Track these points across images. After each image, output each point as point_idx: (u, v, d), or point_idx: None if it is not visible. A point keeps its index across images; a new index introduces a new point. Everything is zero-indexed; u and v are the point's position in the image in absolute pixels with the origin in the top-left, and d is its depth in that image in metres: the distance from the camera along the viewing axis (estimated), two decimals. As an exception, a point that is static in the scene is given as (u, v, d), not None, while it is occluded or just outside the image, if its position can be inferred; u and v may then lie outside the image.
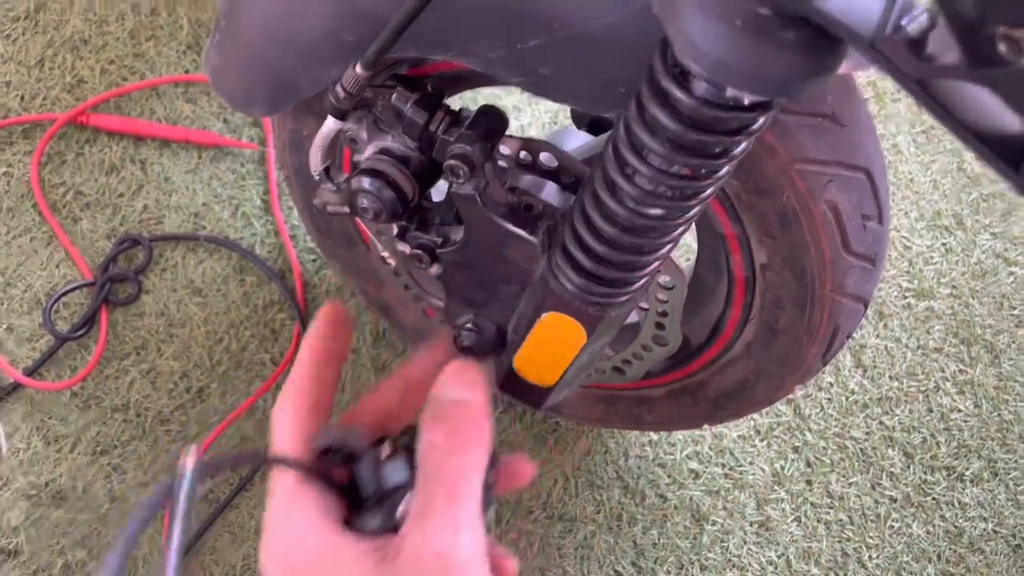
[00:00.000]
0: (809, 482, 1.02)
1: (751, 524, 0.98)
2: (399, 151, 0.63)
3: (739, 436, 1.02)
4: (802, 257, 0.64)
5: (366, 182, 0.63)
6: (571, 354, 0.63)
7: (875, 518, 1.00)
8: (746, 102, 0.44)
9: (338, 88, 0.61)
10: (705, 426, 1.00)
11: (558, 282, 0.59)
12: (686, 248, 1.11)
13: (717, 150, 0.48)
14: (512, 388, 0.69)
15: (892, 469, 1.02)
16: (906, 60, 0.39)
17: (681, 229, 0.54)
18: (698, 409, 0.82)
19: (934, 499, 1.01)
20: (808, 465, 1.02)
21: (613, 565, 0.94)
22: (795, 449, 1.03)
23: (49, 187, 1.00)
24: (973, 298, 1.12)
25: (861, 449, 1.04)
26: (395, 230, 0.68)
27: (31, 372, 0.93)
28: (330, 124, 0.64)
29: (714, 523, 0.97)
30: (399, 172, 0.63)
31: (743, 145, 0.49)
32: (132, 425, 0.93)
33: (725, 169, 0.50)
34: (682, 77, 0.45)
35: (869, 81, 1.21)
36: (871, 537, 0.99)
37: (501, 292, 0.67)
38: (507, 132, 0.63)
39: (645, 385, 0.84)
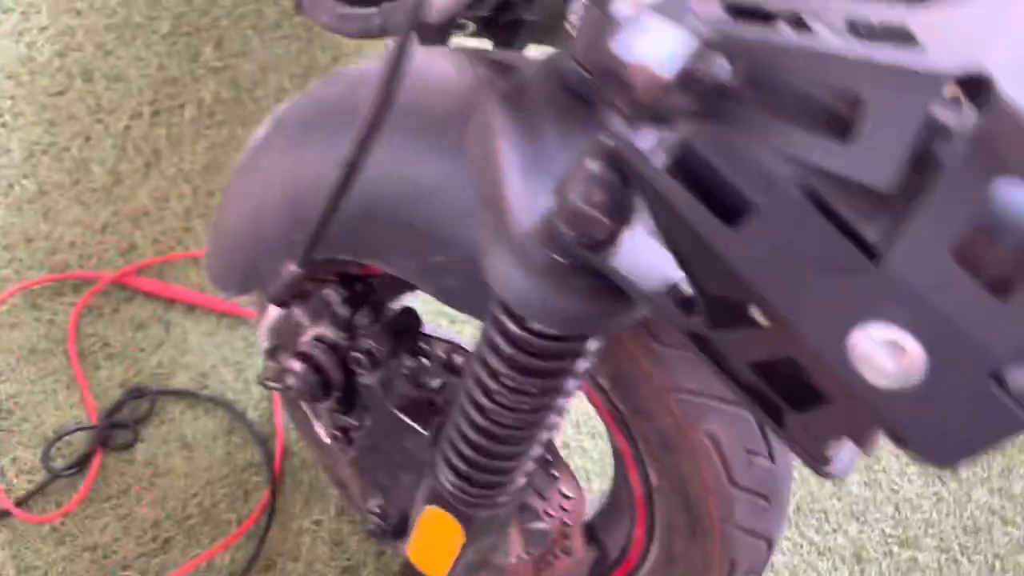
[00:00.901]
0: None
1: None
2: (330, 339, 0.70)
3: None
4: (686, 483, 0.66)
5: (295, 364, 0.70)
6: (454, 550, 0.66)
7: None
8: (559, 333, 0.50)
9: (278, 281, 0.69)
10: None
11: (438, 478, 0.63)
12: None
13: (551, 371, 0.53)
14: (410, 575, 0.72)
15: None
16: (677, 315, 0.44)
17: (536, 442, 0.58)
18: (616, 627, 0.81)
19: None
20: None
21: None
22: None
23: (82, 336, 1.12)
24: (963, 555, 1.07)
25: None
26: (322, 408, 0.74)
27: (21, 503, 1.00)
28: (271, 311, 0.73)
29: None
30: (326, 358, 0.70)
31: (579, 369, 0.53)
32: (96, 566, 0.98)
33: (566, 388, 0.55)
34: (511, 311, 0.51)
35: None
36: None
37: (403, 479, 0.71)
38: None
39: (569, 595, 0.84)
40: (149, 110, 1.30)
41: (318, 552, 1.01)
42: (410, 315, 0.69)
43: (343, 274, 0.71)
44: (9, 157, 1.24)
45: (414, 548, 0.69)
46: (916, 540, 1.07)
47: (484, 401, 0.55)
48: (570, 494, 0.71)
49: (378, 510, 0.73)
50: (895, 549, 1.07)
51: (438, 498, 0.63)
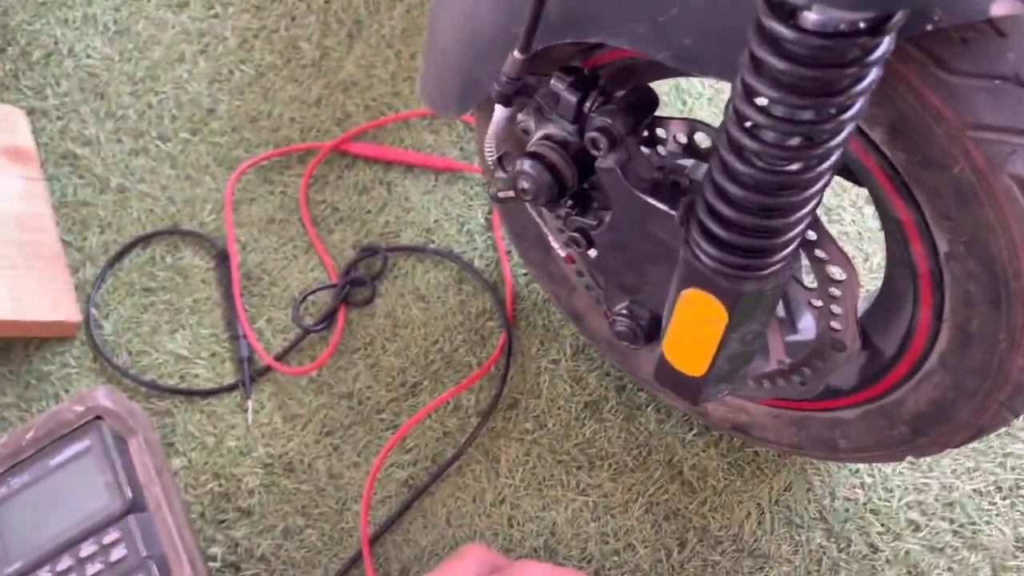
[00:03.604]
0: (1065, 555, 0.85)
1: (985, 594, 0.84)
2: (559, 136, 0.66)
3: (974, 490, 0.89)
4: (987, 242, 0.56)
5: (527, 165, 0.67)
6: (715, 338, 0.61)
7: None
8: (860, 25, 0.42)
9: (501, 75, 0.66)
10: (927, 472, 0.89)
11: (693, 255, 0.58)
12: (878, 245, 1.01)
13: (837, 87, 0.45)
14: (666, 379, 0.68)
15: None
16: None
17: (813, 188, 0.51)
18: (895, 433, 0.73)
19: None
20: (1066, 535, 0.86)
21: (810, 614, 0.86)
22: (1049, 514, 0.87)
23: (312, 204, 1.16)
24: None
25: None
26: (559, 213, 0.70)
27: (280, 358, 1.07)
28: (498, 112, 0.69)
29: (937, 586, 0.85)
30: (558, 156, 0.66)
31: (867, 80, 0.46)
32: (354, 412, 1.03)
33: (853, 110, 0.47)
34: (785, 11, 0.44)
35: None
36: None
37: (651, 274, 0.67)
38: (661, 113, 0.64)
39: (837, 404, 0.78)
40: (345, -18, 1.31)
41: (559, 389, 1.00)
42: (646, 90, 0.64)
43: (566, 67, 0.66)
44: (225, 45, 1.29)
45: (670, 345, 0.65)
46: None
47: (748, 142, 0.49)
48: (840, 276, 0.63)
49: (626, 312, 0.69)
50: None
51: (697, 277, 0.58)
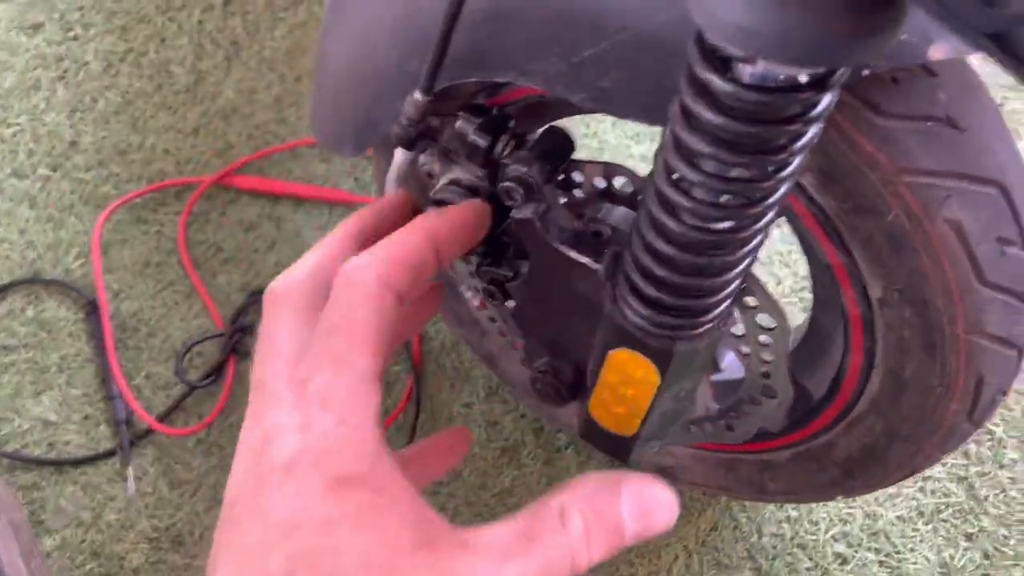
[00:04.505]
0: (987, 576, 0.86)
1: (913, 623, 0.83)
2: (468, 181, 0.60)
3: (897, 517, 0.88)
4: (922, 289, 0.54)
5: (433, 214, 0.60)
6: (646, 398, 0.56)
7: (1076, 627, 0.82)
8: (798, 80, 0.38)
9: (402, 117, 0.59)
10: (850, 501, 0.88)
11: (622, 314, 0.53)
12: (806, 284, 1.00)
13: (775, 143, 0.41)
14: (592, 438, 0.63)
15: (1098, 568, 0.84)
16: (975, 10, 0.32)
17: (748, 246, 0.47)
18: (826, 476, 0.71)
19: None
20: (985, 557, 0.86)
21: (743, 658, 0.83)
22: (968, 536, 0.87)
23: (193, 244, 1.06)
24: None
25: (1055, 541, 0.87)
26: (470, 264, 0.65)
27: (162, 418, 0.97)
28: (399, 155, 0.63)
29: (866, 618, 0.84)
30: (467, 203, 0.60)
31: (807, 136, 0.42)
32: (249, 473, 0.94)
33: (791, 167, 0.43)
34: (721, 63, 0.39)
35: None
36: (1071, 651, 0.81)
37: (575, 329, 0.62)
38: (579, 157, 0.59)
39: (766, 447, 0.75)
40: (220, 0, 1.21)
41: (473, 433, 0.95)
42: (561, 133, 0.59)
43: (472, 106, 0.61)
44: (87, 71, 1.17)
45: (596, 405, 0.60)
46: None
47: (678, 198, 0.45)
48: (770, 324, 0.60)
49: (548, 369, 0.64)
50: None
51: (625, 337, 0.53)
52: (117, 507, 0.93)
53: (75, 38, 1.19)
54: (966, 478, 0.90)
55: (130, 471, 0.94)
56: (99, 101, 1.15)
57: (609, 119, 1.13)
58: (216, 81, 1.16)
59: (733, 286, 0.50)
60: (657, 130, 1.13)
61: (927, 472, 0.90)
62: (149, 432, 0.97)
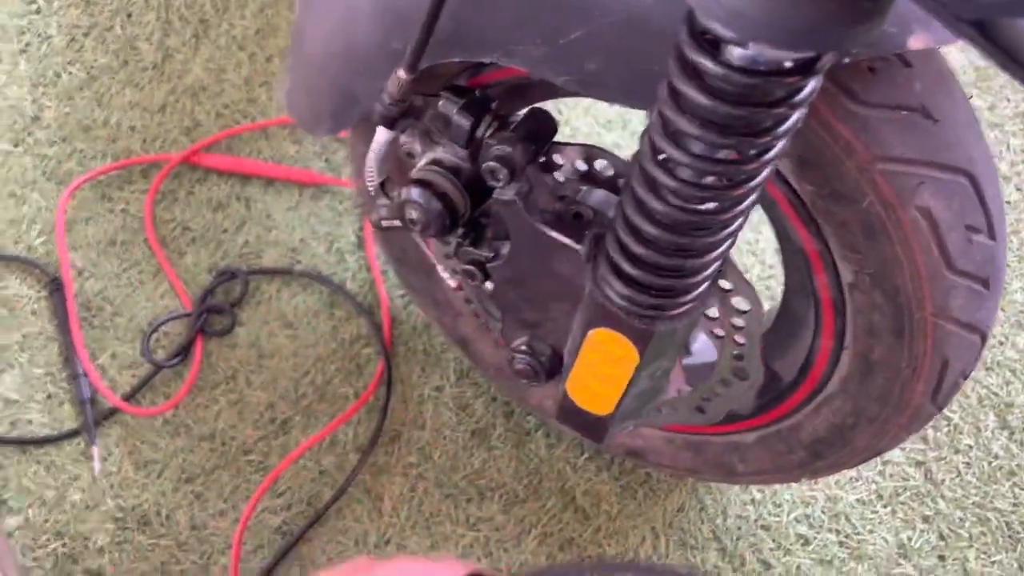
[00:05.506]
0: (942, 557, 0.88)
1: (871, 601, 0.86)
2: (449, 162, 0.61)
3: (857, 500, 0.91)
4: (893, 274, 0.55)
5: (415, 193, 0.61)
6: (624, 377, 0.57)
7: (1025, 605, 0.85)
8: (786, 64, 0.39)
9: (384, 95, 0.59)
10: (812, 484, 0.90)
11: (603, 294, 0.54)
12: (773, 273, 1.03)
13: (761, 126, 0.42)
14: (568, 418, 0.64)
15: (1047, 548, 0.87)
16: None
17: (729, 228, 0.48)
18: (794, 457, 0.73)
19: (1101, 587, 0.85)
20: (941, 538, 0.89)
21: (707, 636, 0.85)
22: (925, 519, 0.90)
23: (160, 223, 1.05)
24: None
25: (1007, 522, 0.90)
26: (449, 244, 0.65)
27: (128, 398, 0.96)
28: (380, 134, 0.63)
29: (826, 597, 0.86)
30: (449, 183, 0.61)
31: (792, 119, 0.43)
32: (217, 454, 0.94)
33: (775, 150, 0.44)
34: (711, 45, 0.40)
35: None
36: (1020, 627, 0.84)
37: (554, 310, 0.63)
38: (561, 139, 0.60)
39: (734, 429, 0.76)
40: (189, -24, 1.19)
41: (444, 418, 0.95)
42: (543, 115, 0.59)
43: (454, 87, 0.61)
44: (50, 44, 1.14)
45: (574, 384, 0.61)
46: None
47: (663, 178, 0.45)
48: (744, 307, 0.61)
49: (526, 348, 0.65)
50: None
51: (606, 317, 0.54)
52: (82, 487, 0.92)
53: (37, 11, 1.16)
54: (924, 463, 0.93)
55: (95, 450, 0.93)
56: (62, 76, 1.12)
57: (581, 106, 1.14)
58: (184, 59, 1.14)
59: (713, 267, 0.51)
60: (628, 118, 1.14)
61: (886, 456, 0.92)
62: (114, 412, 0.95)
